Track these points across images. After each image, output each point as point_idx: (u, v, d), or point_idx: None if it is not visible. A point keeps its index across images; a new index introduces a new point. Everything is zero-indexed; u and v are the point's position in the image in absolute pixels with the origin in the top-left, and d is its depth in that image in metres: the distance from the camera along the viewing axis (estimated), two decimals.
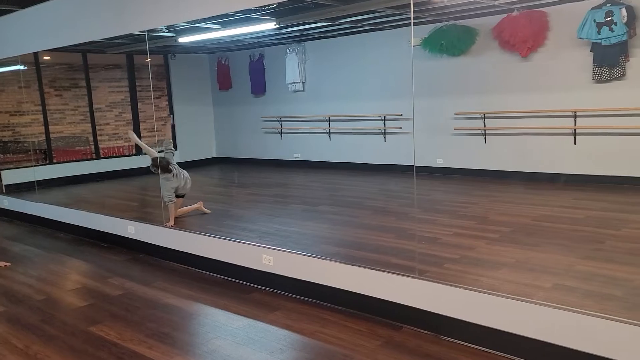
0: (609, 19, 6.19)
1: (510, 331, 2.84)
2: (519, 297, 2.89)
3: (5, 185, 8.04)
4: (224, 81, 10.96)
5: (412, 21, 4.87)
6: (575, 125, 6.83)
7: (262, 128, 10.44)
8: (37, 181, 7.32)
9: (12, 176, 8.26)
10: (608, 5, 6.19)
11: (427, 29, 7.68)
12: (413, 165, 3.69)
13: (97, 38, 5.48)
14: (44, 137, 9.31)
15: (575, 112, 6.79)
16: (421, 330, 3.20)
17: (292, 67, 9.67)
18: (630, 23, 6.12)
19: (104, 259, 5.14)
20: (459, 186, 7.38)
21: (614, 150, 6.58)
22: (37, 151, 9.49)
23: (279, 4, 4.67)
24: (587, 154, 6.79)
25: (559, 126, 6.96)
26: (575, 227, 4.92)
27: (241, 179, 9.67)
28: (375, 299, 3.41)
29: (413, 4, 3.51)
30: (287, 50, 9.62)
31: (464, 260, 4.14)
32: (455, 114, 7.81)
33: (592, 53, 6.49)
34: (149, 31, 5.12)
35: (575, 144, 6.88)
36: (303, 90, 9.74)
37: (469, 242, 4.61)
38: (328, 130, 9.47)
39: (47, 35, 5.99)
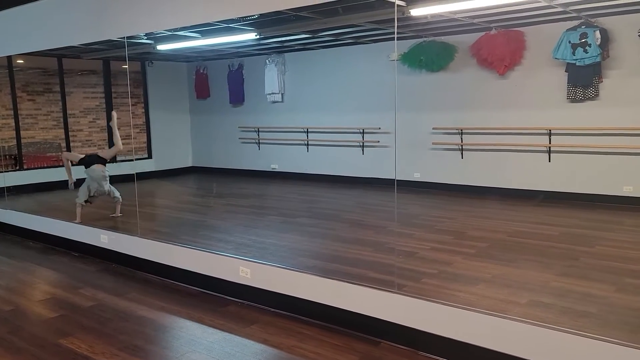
0: (583, 40, 6.36)
1: (488, 347, 2.85)
2: (495, 313, 2.91)
3: None
4: (201, 90, 10.88)
5: (395, 36, 4.92)
6: (549, 143, 6.97)
7: (240, 138, 10.38)
8: (6, 187, 7.10)
9: None
10: (583, 27, 6.37)
11: (406, 44, 7.78)
12: (394, 179, 3.70)
13: (75, 43, 5.39)
14: (14, 142, 9.06)
15: (550, 131, 6.94)
16: (399, 346, 3.18)
17: (271, 77, 9.66)
18: (603, 45, 6.30)
19: (75, 268, 5.00)
20: (436, 201, 7.44)
21: (587, 169, 6.73)
22: (7, 156, 9.22)
23: (260, 14, 4.66)
24: (561, 171, 6.93)
25: (534, 144, 7.09)
26: (550, 243, 4.99)
27: (218, 189, 9.58)
28: (353, 313, 3.39)
29: (394, 19, 3.55)
30: (267, 60, 9.62)
31: (441, 275, 4.16)
32: (433, 128, 7.89)
33: (567, 73, 6.65)
34: (127, 38, 5.05)
35: (549, 161, 7.02)
36: (282, 101, 9.73)
37: (446, 257, 4.64)
38: (306, 142, 9.47)
39: (24, 38, 5.86)
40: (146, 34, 6.34)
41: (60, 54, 9.05)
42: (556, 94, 6.84)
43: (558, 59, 6.64)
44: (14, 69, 8.99)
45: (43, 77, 10.18)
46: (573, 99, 6.68)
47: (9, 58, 8.55)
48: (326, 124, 9.13)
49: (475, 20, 6.54)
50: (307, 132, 9.40)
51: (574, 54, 6.45)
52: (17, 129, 8.97)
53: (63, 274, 4.84)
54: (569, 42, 6.47)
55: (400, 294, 3.21)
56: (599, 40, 6.27)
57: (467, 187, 7.66)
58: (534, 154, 7.13)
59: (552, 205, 6.74)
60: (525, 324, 2.75)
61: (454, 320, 2.98)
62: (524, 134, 7.16)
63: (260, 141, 10.14)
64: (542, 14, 6.18)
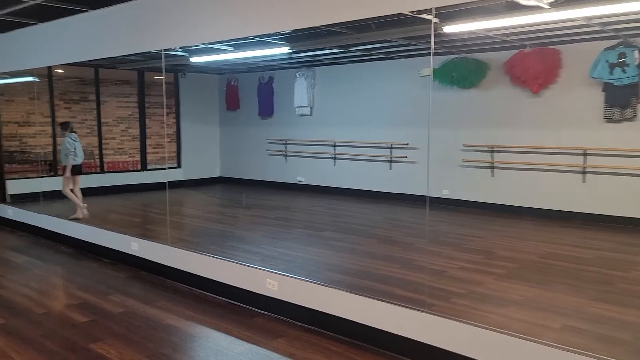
0: (621, 60, 6.24)
1: None
2: (528, 337, 2.84)
3: (9, 195, 8.00)
4: (232, 101, 11.03)
5: (432, 51, 4.91)
6: (584, 163, 6.82)
7: (267, 150, 10.46)
8: (42, 192, 7.29)
9: (17, 186, 8.23)
10: (621, 46, 6.25)
11: (437, 60, 7.74)
12: (425, 196, 3.66)
13: (115, 54, 5.53)
14: (50, 148, 9.31)
15: (585, 151, 6.79)
16: None
17: (300, 91, 9.73)
18: None
19: (106, 274, 5.08)
20: (465, 219, 7.34)
21: (623, 191, 6.55)
22: (43, 162, 9.48)
23: (293, 29, 4.71)
24: (596, 193, 6.76)
25: (568, 164, 6.95)
26: (584, 267, 4.87)
27: (245, 200, 9.64)
28: (381, 331, 3.35)
29: (428, 35, 3.53)
30: (297, 74, 9.70)
31: (471, 295, 4.09)
32: (463, 145, 7.81)
33: (604, 93, 6.52)
34: (165, 50, 5.16)
35: (584, 182, 6.86)
36: (310, 115, 9.78)
37: (475, 277, 4.56)
38: (333, 156, 9.48)
39: (66, 49, 6.03)
40: (181, 47, 6.47)
41: (97, 64, 9.29)
42: (592, 113, 6.70)
43: (595, 78, 6.52)
44: (53, 78, 9.26)
45: (80, 86, 10.48)
46: (610, 119, 6.54)
47: (50, 68, 8.82)
48: (354, 138, 9.14)
49: (509, 38, 6.48)
50: (335, 145, 9.42)
51: (611, 73, 6.33)
52: (54, 136, 9.21)
53: (94, 280, 4.92)
54: (607, 61, 6.36)
55: (430, 313, 3.17)
56: (638, 60, 6.14)
57: (497, 205, 7.53)
58: (568, 174, 6.98)
59: (586, 227, 6.57)
60: (559, 349, 2.68)
61: (485, 342, 2.91)
62: (558, 153, 7.03)
63: (287, 154, 10.20)
64: (579, 32, 6.09)
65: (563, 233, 6.40)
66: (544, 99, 7.11)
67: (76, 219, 6.57)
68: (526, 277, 4.54)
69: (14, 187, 8.18)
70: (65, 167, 6.95)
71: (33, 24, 6.36)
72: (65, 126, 7.14)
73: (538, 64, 6.89)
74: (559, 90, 6.97)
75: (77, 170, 7.05)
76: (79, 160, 7.06)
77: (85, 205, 7.00)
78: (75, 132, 7.15)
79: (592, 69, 6.51)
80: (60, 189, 7.05)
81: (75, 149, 6.96)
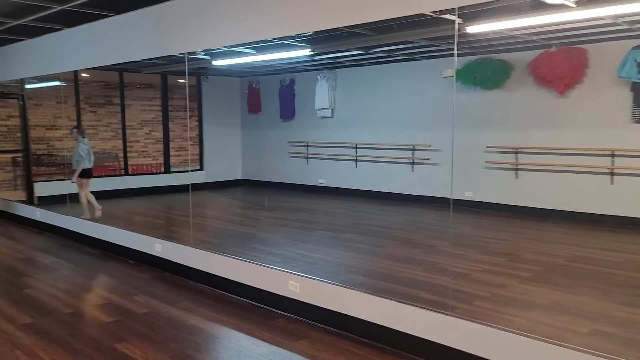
0: None
1: None
2: (555, 341, 2.78)
3: (37, 197, 8.18)
4: (253, 104, 11.09)
5: (455, 52, 4.86)
6: (612, 165, 6.67)
7: (289, 152, 10.48)
8: (68, 195, 7.43)
9: (45, 188, 8.41)
10: None
11: (460, 61, 7.67)
12: (449, 198, 3.63)
13: (139, 58, 5.61)
14: None
15: (613, 152, 6.64)
16: None
17: (322, 93, 9.73)
18: None
19: (130, 275, 5.15)
20: (488, 221, 7.25)
21: None
22: (69, 165, 9.65)
23: (315, 31, 4.71)
24: (624, 195, 6.60)
25: (595, 165, 6.80)
26: (612, 270, 4.76)
27: (267, 202, 9.68)
28: (403, 333, 3.32)
29: (451, 35, 3.50)
30: (318, 76, 9.70)
31: (495, 299, 4.03)
32: (487, 147, 7.71)
33: (632, 93, 6.38)
34: (187, 53, 5.22)
35: (612, 184, 6.71)
36: (332, 117, 9.77)
37: (499, 280, 4.50)
38: (355, 158, 9.45)
39: (92, 54, 6.14)
40: (204, 50, 6.54)
41: (121, 68, 9.45)
42: (620, 114, 6.55)
43: (623, 77, 6.38)
44: (79, 82, 9.44)
45: (104, 90, 10.65)
46: (639, 120, 6.38)
47: (76, 72, 8.99)
48: (376, 140, 9.10)
49: (534, 38, 6.38)
50: (356, 147, 9.40)
51: None
52: None
53: (118, 280, 4.99)
54: (635, 60, 6.21)
55: (453, 316, 3.13)
56: None
57: (522, 208, 7.41)
58: (595, 175, 6.84)
59: (614, 230, 6.42)
60: (588, 354, 2.62)
61: (510, 346, 2.87)
62: (585, 154, 6.88)
63: (309, 156, 10.21)
64: (606, 31, 5.97)
65: (590, 236, 6.27)
66: (570, 100, 6.98)
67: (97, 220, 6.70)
68: (552, 281, 4.46)
69: (41, 189, 8.36)
70: (75, 170, 7.22)
71: (59, 29, 6.50)
72: (79, 130, 7.52)
73: (564, 63, 6.77)
74: (586, 90, 6.84)
75: (87, 173, 7.28)
76: (90, 164, 7.32)
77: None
78: (85, 137, 7.47)
79: (620, 68, 6.37)
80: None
81: (88, 154, 7.28)
